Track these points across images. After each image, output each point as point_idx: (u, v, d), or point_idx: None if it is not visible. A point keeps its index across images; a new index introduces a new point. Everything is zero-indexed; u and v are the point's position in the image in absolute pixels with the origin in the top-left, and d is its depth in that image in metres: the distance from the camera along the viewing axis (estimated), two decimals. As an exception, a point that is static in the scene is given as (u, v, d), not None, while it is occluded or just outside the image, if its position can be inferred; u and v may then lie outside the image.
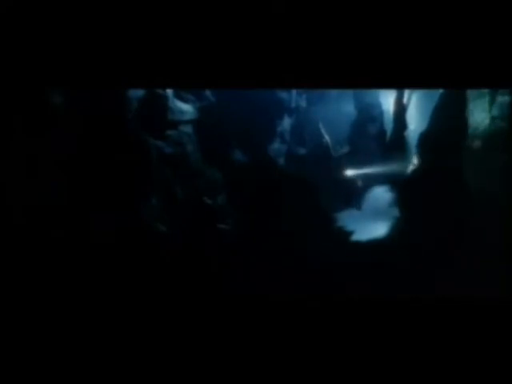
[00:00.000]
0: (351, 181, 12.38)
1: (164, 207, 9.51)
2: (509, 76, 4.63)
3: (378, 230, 10.20)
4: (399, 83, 5.00)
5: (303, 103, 14.17)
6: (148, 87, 9.14)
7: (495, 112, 11.03)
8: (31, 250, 6.83)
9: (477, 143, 11.02)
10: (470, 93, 10.30)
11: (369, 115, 13.44)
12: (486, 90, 11.19)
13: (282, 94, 12.73)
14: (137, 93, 9.17)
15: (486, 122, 11.16)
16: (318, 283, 8.47)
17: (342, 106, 14.69)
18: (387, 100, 13.52)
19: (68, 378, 4.54)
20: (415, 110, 14.66)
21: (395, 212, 10.67)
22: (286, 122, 13.47)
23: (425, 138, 10.11)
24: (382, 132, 12.99)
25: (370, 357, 4.70)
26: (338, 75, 4.84)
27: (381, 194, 11.57)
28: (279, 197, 10.63)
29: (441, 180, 9.54)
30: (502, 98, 10.86)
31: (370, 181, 12.07)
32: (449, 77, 4.78)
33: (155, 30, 4.52)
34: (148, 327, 5.53)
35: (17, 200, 6.79)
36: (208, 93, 11.15)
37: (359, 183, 12.17)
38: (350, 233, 10.43)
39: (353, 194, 11.98)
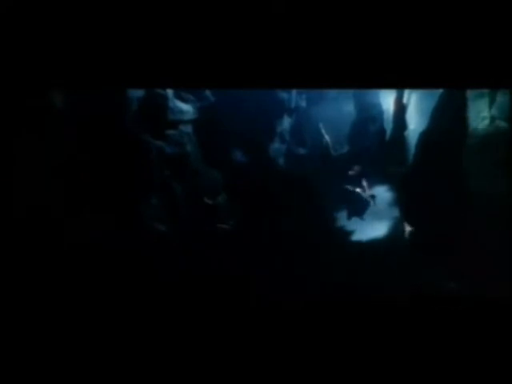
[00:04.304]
0: (351, 180, 12.36)
1: (164, 207, 9.51)
2: (509, 76, 4.63)
3: (378, 229, 10.21)
4: (399, 83, 5.01)
5: (303, 103, 14.14)
6: (148, 87, 9.14)
7: (495, 112, 11.01)
8: (31, 249, 6.83)
9: (477, 143, 11.00)
10: (470, 93, 10.29)
11: (369, 115, 13.42)
12: (485, 90, 11.17)
13: (282, 94, 12.71)
14: (137, 93, 9.17)
15: (486, 122, 11.14)
16: (318, 283, 8.46)
17: (342, 105, 14.67)
18: (387, 100, 13.50)
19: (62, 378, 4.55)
20: (415, 109, 14.64)
21: (395, 212, 10.67)
22: (286, 122, 13.45)
23: (425, 138, 10.10)
24: (382, 132, 12.97)
25: (371, 356, 4.70)
26: (338, 75, 4.84)
27: (381, 194, 11.56)
28: (279, 197, 10.63)
29: (441, 180, 9.53)
30: (501, 98, 10.84)
31: (370, 181, 12.05)
32: (449, 77, 4.78)
33: (155, 30, 4.52)
34: (146, 329, 5.52)
35: (17, 200, 6.79)
36: (208, 93, 11.14)
37: (359, 183, 12.13)
38: (350, 233, 10.43)
39: (353, 194, 11.96)
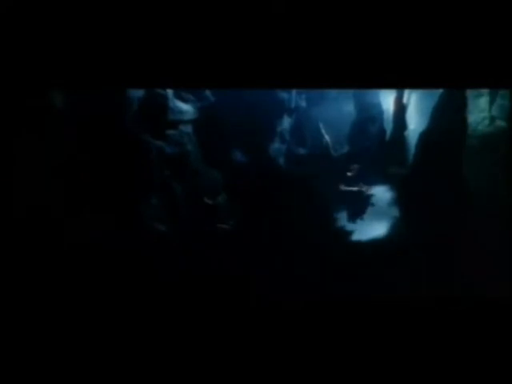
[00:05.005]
0: (351, 181, 12.37)
1: (164, 207, 9.51)
2: (509, 76, 4.63)
3: (378, 229, 10.20)
4: (399, 83, 5.01)
5: (303, 103, 14.14)
6: (148, 87, 9.14)
7: (495, 112, 11.03)
8: (31, 249, 6.83)
9: (477, 143, 11.02)
10: (470, 93, 10.28)
11: (369, 115, 13.42)
12: (485, 90, 11.18)
13: (282, 94, 12.71)
14: (137, 93, 9.17)
15: (486, 122, 11.15)
16: (318, 283, 8.47)
17: (341, 105, 14.67)
18: (387, 100, 13.50)
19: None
20: (415, 109, 14.64)
21: (395, 212, 10.67)
22: (286, 122, 13.45)
23: (425, 138, 10.10)
24: (382, 132, 12.97)
25: (371, 357, 4.70)
26: (338, 75, 4.84)
27: (381, 194, 11.56)
28: (279, 197, 10.63)
29: (441, 180, 9.54)
30: (501, 98, 10.86)
31: (370, 180, 12.06)
32: (449, 77, 4.78)
33: (155, 30, 4.52)
34: (146, 329, 5.52)
35: (17, 200, 6.79)
36: (208, 93, 11.14)
37: (359, 183, 12.13)
38: (350, 233, 10.43)
39: (353, 194, 11.97)
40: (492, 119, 11.03)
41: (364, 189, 11.54)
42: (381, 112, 13.44)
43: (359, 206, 11.33)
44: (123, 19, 4.42)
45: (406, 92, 12.86)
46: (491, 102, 11.11)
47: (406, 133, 12.50)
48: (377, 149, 12.74)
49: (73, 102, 7.77)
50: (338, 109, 14.70)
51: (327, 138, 13.45)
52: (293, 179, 11.43)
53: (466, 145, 9.89)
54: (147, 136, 9.33)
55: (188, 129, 10.58)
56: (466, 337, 4.92)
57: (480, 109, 11.20)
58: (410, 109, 13.29)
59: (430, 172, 9.76)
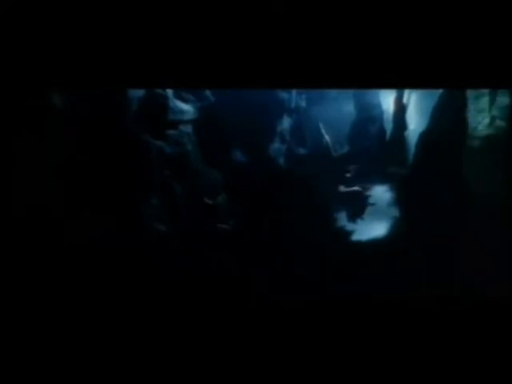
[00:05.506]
0: (351, 181, 12.38)
1: (164, 207, 9.51)
2: (509, 76, 4.64)
3: (378, 229, 10.21)
4: (399, 83, 5.01)
5: (303, 103, 14.16)
6: (148, 87, 9.15)
7: (495, 112, 11.03)
8: (31, 249, 6.83)
9: (477, 143, 11.02)
10: (470, 93, 10.29)
11: (369, 115, 13.43)
12: (485, 90, 11.19)
13: (282, 94, 12.72)
14: (137, 93, 9.17)
15: (486, 121, 11.16)
16: (318, 283, 8.46)
17: (341, 105, 14.69)
18: (387, 100, 13.52)
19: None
20: (415, 109, 14.65)
21: (395, 212, 10.67)
22: (286, 122, 13.46)
23: (425, 138, 10.10)
24: (382, 132, 12.98)
25: (371, 356, 4.71)
26: (338, 75, 4.84)
27: (381, 194, 11.56)
28: (279, 197, 10.64)
29: (441, 180, 9.54)
30: (501, 98, 10.86)
31: (370, 181, 12.06)
32: (449, 77, 4.78)
33: (155, 30, 4.52)
34: (146, 329, 5.53)
35: (17, 200, 6.79)
36: (208, 93, 11.15)
37: (359, 183, 12.14)
38: (350, 233, 10.44)
39: (353, 195, 11.98)
40: (492, 119, 11.03)
41: (364, 189, 11.54)
42: (381, 112, 13.45)
43: (359, 206, 11.33)
44: (123, 19, 4.42)
45: (406, 92, 12.87)
46: (491, 102, 11.11)
47: (406, 133, 12.51)
48: (377, 149, 12.75)
49: (73, 102, 7.77)
50: (338, 109, 14.72)
51: (327, 138, 13.46)
52: (293, 179, 11.43)
53: (466, 145, 9.90)
54: (147, 136, 9.34)
55: (188, 129, 10.59)
56: (466, 337, 4.92)
57: (480, 109, 11.21)
58: (409, 109, 13.30)
59: (430, 172, 9.76)
